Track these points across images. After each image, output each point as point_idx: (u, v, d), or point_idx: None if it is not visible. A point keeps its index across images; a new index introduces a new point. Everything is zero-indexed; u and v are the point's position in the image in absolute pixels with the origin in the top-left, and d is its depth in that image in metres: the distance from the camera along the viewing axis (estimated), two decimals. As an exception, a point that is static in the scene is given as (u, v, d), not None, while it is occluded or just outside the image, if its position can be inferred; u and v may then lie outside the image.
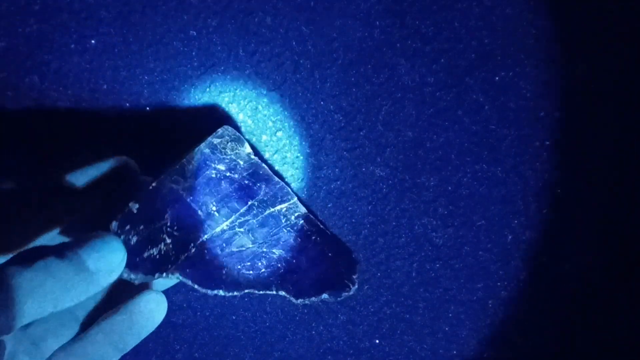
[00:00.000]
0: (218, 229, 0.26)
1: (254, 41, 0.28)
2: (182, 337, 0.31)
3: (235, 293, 0.26)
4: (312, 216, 0.28)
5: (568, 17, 0.29)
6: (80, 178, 0.25)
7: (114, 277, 0.22)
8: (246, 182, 0.27)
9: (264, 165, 0.27)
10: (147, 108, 0.29)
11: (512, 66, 0.29)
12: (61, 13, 0.27)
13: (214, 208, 0.26)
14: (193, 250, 0.26)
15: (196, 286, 0.26)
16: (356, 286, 0.28)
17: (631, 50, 0.29)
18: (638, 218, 0.30)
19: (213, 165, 0.26)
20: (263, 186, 0.27)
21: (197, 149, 0.26)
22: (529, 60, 0.29)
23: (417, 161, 0.30)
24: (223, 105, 0.29)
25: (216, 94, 0.29)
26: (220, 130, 0.27)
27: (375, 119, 0.29)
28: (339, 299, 0.28)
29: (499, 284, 0.31)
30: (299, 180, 0.30)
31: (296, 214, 0.28)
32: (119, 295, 0.26)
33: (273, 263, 0.27)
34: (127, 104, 0.28)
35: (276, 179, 0.28)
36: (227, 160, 0.27)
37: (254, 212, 0.27)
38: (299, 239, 0.28)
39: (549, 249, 0.31)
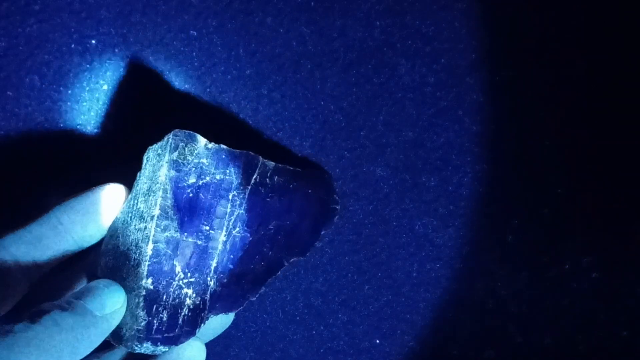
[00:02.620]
0: (220, 246, 0.25)
1: (254, 41, 0.28)
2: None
3: (262, 290, 0.26)
4: (279, 165, 0.27)
5: (568, 17, 0.29)
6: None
7: (119, 318, 0.23)
8: (217, 177, 0.25)
9: (220, 146, 0.26)
10: (147, 108, 0.29)
11: (512, 66, 0.29)
12: (61, 13, 0.27)
13: (207, 228, 0.25)
14: (212, 283, 0.25)
15: (230, 313, 0.25)
16: (338, 205, 0.27)
17: (632, 50, 0.29)
18: (638, 218, 0.30)
19: (185, 185, 0.25)
20: (231, 169, 0.26)
21: (162, 180, 0.24)
22: (529, 60, 0.29)
23: (417, 161, 0.30)
24: (223, 105, 0.29)
25: (216, 94, 0.29)
26: (171, 141, 0.25)
27: (375, 119, 0.29)
28: (332, 226, 0.27)
29: (499, 284, 0.31)
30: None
31: (268, 174, 0.26)
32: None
33: (275, 239, 0.26)
34: (128, 104, 0.28)
35: (236, 151, 0.26)
36: (194, 169, 0.25)
37: (237, 202, 0.26)
38: (282, 198, 0.27)
39: (549, 249, 0.31)
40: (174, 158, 0.25)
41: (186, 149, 0.25)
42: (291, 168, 0.27)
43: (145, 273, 0.24)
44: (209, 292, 0.25)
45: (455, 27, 0.28)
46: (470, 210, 0.30)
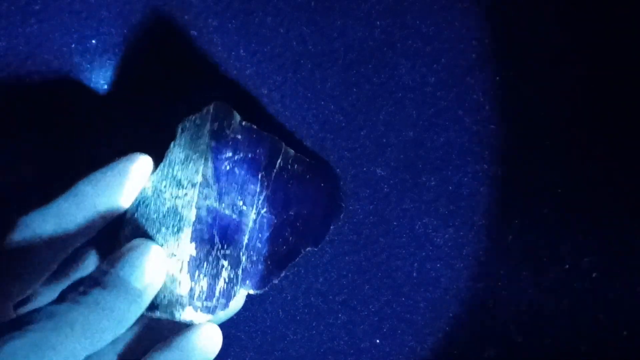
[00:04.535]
0: (251, 224, 0.26)
1: (254, 41, 0.28)
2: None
3: (282, 274, 0.26)
4: (298, 154, 0.27)
5: (568, 17, 0.29)
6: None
7: (160, 284, 0.22)
8: (249, 155, 0.26)
9: (251, 125, 0.26)
10: (148, 108, 0.29)
11: (512, 66, 0.29)
12: (61, 13, 0.27)
13: (241, 203, 0.26)
14: (244, 258, 0.25)
15: (256, 291, 0.26)
16: (343, 203, 0.28)
17: (632, 50, 0.29)
18: (638, 218, 0.30)
19: (224, 157, 0.25)
20: (260, 149, 0.26)
21: (203, 149, 0.25)
22: (529, 60, 0.29)
23: (417, 161, 0.30)
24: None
25: (216, 94, 0.29)
26: (212, 111, 0.25)
27: (375, 119, 0.29)
28: (338, 222, 0.28)
29: (499, 284, 0.31)
30: (300, 180, 0.30)
31: (290, 161, 0.27)
32: (159, 325, 0.25)
33: (294, 225, 0.27)
34: (128, 104, 0.28)
35: (264, 133, 0.26)
36: (231, 143, 0.25)
37: (265, 183, 0.26)
38: (300, 186, 0.27)
39: (549, 249, 0.31)
40: (215, 129, 0.25)
41: (225, 121, 0.25)
42: (307, 159, 0.28)
43: (189, 238, 0.24)
44: (241, 266, 0.25)
45: (455, 27, 0.28)
46: (470, 210, 0.30)
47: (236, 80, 0.29)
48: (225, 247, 0.25)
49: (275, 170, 0.26)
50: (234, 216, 0.25)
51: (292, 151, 0.27)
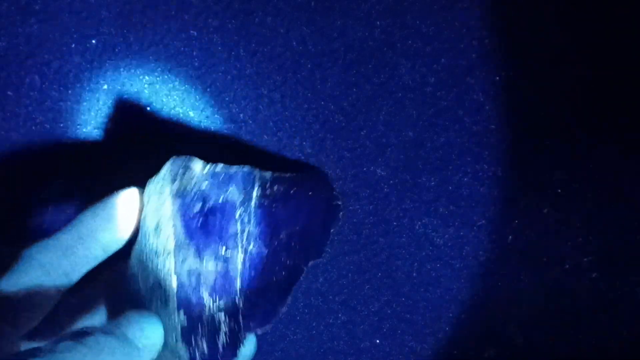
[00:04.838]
0: (240, 266, 0.25)
1: (254, 41, 0.28)
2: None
3: (289, 300, 0.25)
4: (276, 173, 0.26)
5: (568, 16, 0.29)
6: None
7: (157, 351, 0.23)
8: (220, 199, 0.25)
9: (216, 166, 0.25)
10: (148, 108, 0.29)
11: (512, 66, 0.29)
12: (61, 13, 0.27)
13: (224, 250, 0.25)
14: (241, 303, 0.25)
15: (264, 330, 0.25)
16: (340, 201, 0.27)
17: (632, 50, 0.29)
18: (638, 218, 0.30)
19: (193, 213, 0.24)
20: (231, 187, 0.25)
21: (168, 214, 0.24)
22: (529, 60, 0.29)
23: (417, 161, 0.30)
24: (223, 105, 0.29)
25: (216, 94, 0.29)
26: (169, 171, 0.24)
27: (375, 119, 0.29)
28: (340, 222, 0.27)
29: (499, 284, 0.31)
30: (300, 180, 0.30)
31: (268, 185, 0.26)
32: None
33: (289, 246, 0.26)
34: (128, 105, 0.28)
35: (232, 168, 0.25)
36: (196, 197, 0.24)
37: (246, 219, 0.25)
38: (286, 205, 0.26)
39: (549, 249, 0.31)
40: (175, 189, 0.24)
41: (184, 177, 0.24)
42: (287, 175, 0.27)
43: (175, 307, 0.24)
44: (240, 313, 0.25)
45: (455, 27, 0.28)
46: (470, 210, 0.30)
47: (236, 81, 0.29)
48: (218, 300, 0.24)
49: (253, 202, 0.25)
50: (219, 267, 0.24)
51: (268, 174, 0.26)
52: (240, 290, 0.25)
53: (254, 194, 0.26)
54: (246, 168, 0.26)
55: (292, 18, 0.28)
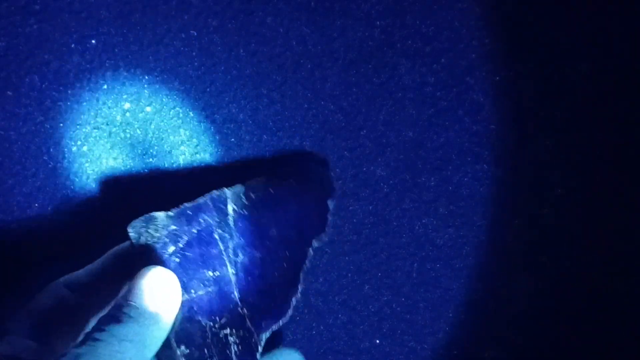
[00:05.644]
0: (233, 279, 0.25)
1: (254, 41, 0.28)
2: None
3: (293, 303, 0.26)
4: (248, 182, 0.26)
5: (568, 16, 0.29)
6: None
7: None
8: (194, 231, 0.25)
9: (181, 207, 0.25)
10: (148, 108, 0.28)
11: (512, 66, 0.29)
12: (61, 13, 0.27)
13: (211, 273, 0.25)
14: (245, 311, 0.25)
15: (279, 325, 0.25)
16: (335, 184, 0.27)
17: (632, 50, 0.29)
18: (638, 218, 0.30)
19: (168, 254, 0.24)
20: (203, 216, 0.25)
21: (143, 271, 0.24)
22: (529, 60, 0.29)
23: (417, 161, 0.30)
24: (223, 105, 0.29)
25: (216, 94, 0.29)
26: (138, 228, 0.24)
27: (375, 119, 0.29)
28: (337, 196, 0.27)
29: (499, 284, 0.31)
30: (300, 180, 0.30)
31: (242, 195, 0.26)
32: None
33: (284, 239, 0.26)
34: (128, 104, 0.28)
35: (200, 199, 0.26)
36: (167, 239, 0.25)
37: (227, 236, 0.25)
38: (269, 204, 0.26)
39: (549, 249, 0.31)
40: (140, 252, 0.24)
41: (149, 230, 0.24)
42: (261, 178, 0.27)
43: (174, 343, 0.23)
44: (246, 320, 0.25)
45: (455, 27, 0.28)
46: (470, 210, 0.30)
47: (236, 81, 0.29)
48: (219, 320, 0.24)
49: (230, 218, 0.26)
50: (211, 289, 0.25)
51: (238, 187, 0.26)
52: (240, 300, 0.25)
53: (229, 210, 0.26)
54: (214, 192, 0.26)
55: (292, 18, 0.28)
